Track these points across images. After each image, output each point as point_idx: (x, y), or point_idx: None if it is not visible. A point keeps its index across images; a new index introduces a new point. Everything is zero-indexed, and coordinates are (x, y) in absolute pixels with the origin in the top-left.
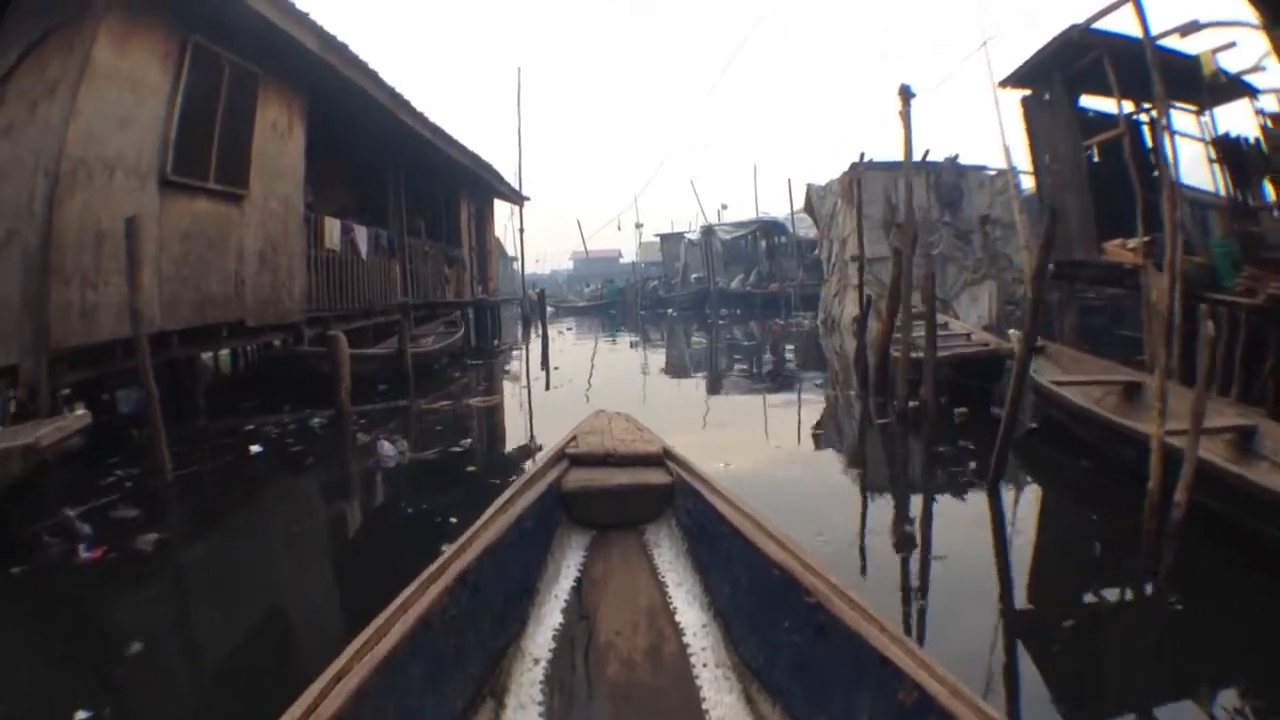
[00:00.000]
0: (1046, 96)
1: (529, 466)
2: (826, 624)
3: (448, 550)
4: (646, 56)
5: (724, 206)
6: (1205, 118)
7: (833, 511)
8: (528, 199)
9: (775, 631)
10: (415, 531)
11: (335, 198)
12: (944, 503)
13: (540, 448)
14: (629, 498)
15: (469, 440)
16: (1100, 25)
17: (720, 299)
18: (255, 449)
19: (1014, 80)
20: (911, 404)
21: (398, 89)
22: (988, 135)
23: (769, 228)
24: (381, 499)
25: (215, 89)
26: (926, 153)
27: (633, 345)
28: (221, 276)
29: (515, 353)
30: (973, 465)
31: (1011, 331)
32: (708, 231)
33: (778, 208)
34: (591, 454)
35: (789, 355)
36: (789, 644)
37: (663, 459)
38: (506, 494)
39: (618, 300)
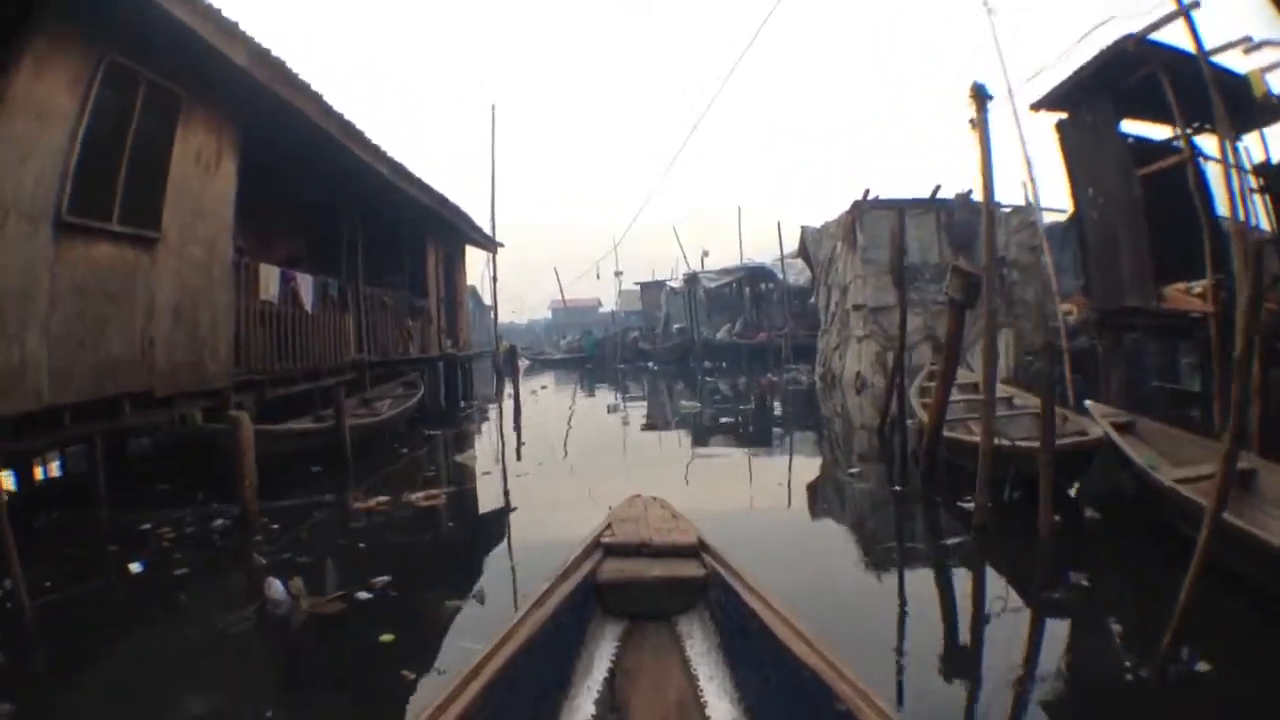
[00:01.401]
0: (1089, 120)
1: (466, 644)
2: None
3: (484, 647)
4: (628, 96)
5: (706, 254)
6: (1242, 143)
7: None
8: (501, 245)
9: None
10: None
11: (283, 245)
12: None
13: (483, 594)
14: (663, 589)
15: (392, 576)
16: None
17: (705, 350)
18: (135, 567)
19: (1049, 103)
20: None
21: (348, 117)
22: (1000, 168)
23: (756, 274)
24: (237, 693)
25: (127, 111)
26: (936, 189)
27: (610, 409)
28: (125, 337)
29: (487, 413)
30: (1116, 624)
31: (1090, 405)
32: (691, 279)
33: (763, 254)
34: (627, 544)
35: (783, 417)
36: None
37: (698, 550)
38: (541, 586)
39: (595, 352)
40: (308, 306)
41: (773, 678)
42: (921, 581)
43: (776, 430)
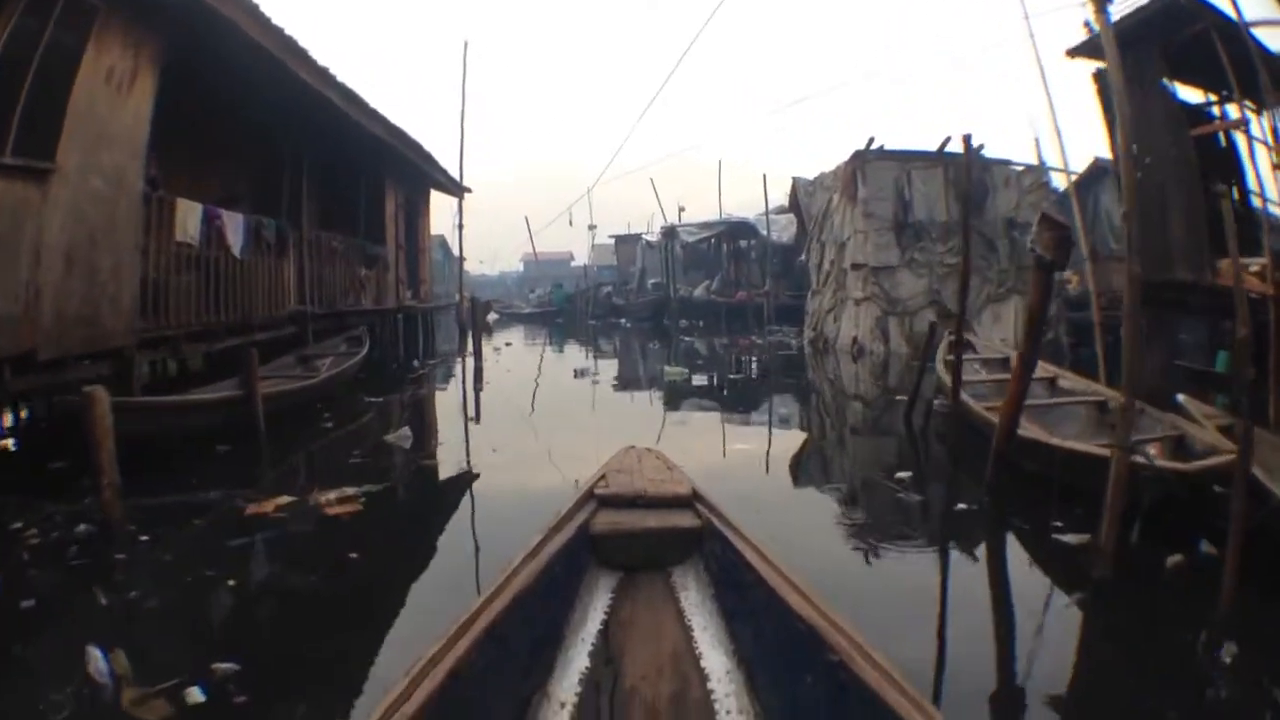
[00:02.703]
0: (1133, 71)
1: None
2: (848, 682)
3: (477, 600)
4: (609, 40)
5: (682, 209)
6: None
7: None
8: (469, 190)
9: (797, 685)
10: None
11: (219, 182)
12: None
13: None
14: (657, 540)
15: (244, 659)
16: None
17: (681, 308)
18: None
19: (1087, 49)
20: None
21: (291, 34)
22: (1005, 125)
23: (738, 229)
24: None
25: (39, 30)
26: (945, 141)
27: (578, 374)
28: (4, 288)
29: (444, 374)
30: None
31: (1186, 400)
32: (669, 233)
33: (743, 211)
34: (621, 495)
35: (780, 388)
36: (810, 699)
37: (692, 501)
38: (534, 537)
39: (566, 307)
40: (235, 250)
41: (767, 629)
42: (1049, 672)
43: (780, 409)
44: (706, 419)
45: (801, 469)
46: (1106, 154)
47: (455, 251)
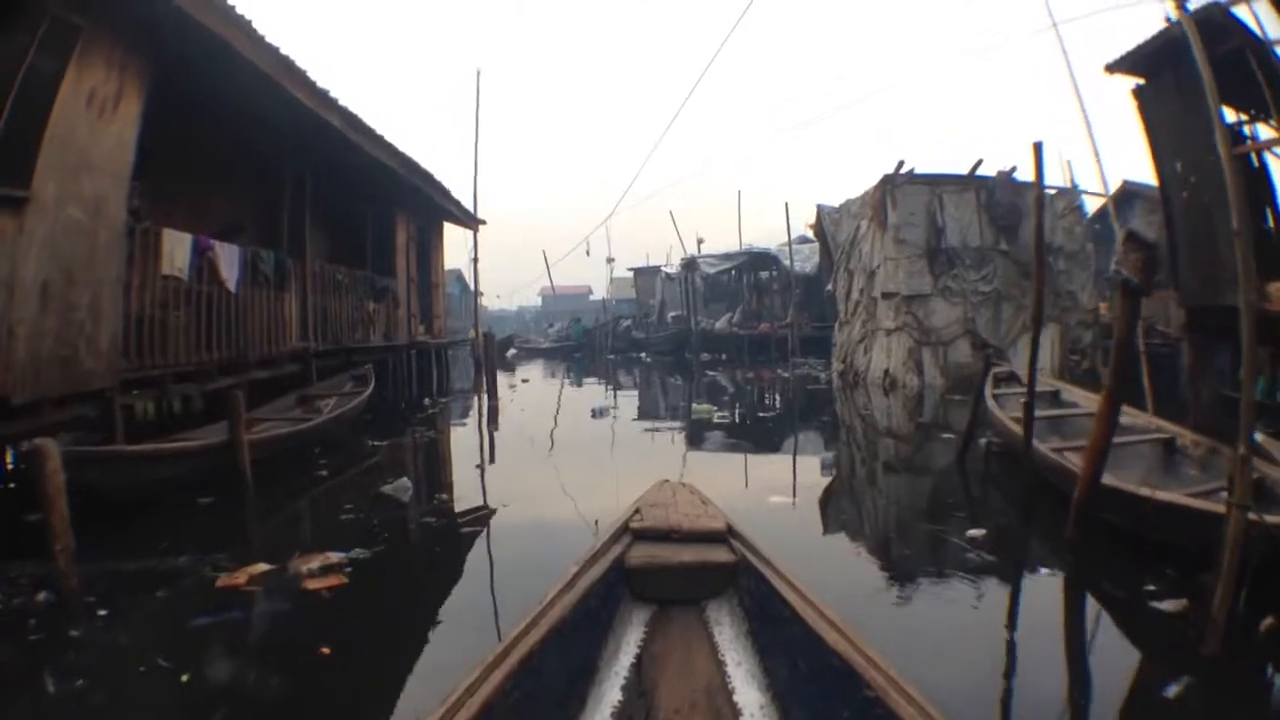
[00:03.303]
0: (1173, 85)
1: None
2: (884, 719)
3: (512, 630)
4: (627, 79)
5: (701, 240)
6: None
7: None
8: (483, 222)
9: None
10: None
11: (221, 212)
12: None
13: None
14: (691, 575)
15: None
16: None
17: (703, 341)
18: None
19: (1128, 64)
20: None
21: (287, 53)
22: (1025, 145)
23: (759, 260)
24: None
25: (22, 50)
26: (978, 163)
27: (596, 414)
28: None
29: (456, 414)
30: None
31: (1265, 440)
32: (689, 265)
33: (762, 243)
34: (655, 529)
35: (817, 426)
36: None
37: (726, 536)
38: (570, 570)
39: (584, 342)
40: (230, 284)
41: (801, 664)
42: None
43: (817, 451)
44: (739, 463)
45: (852, 524)
46: (1135, 176)
47: (472, 286)
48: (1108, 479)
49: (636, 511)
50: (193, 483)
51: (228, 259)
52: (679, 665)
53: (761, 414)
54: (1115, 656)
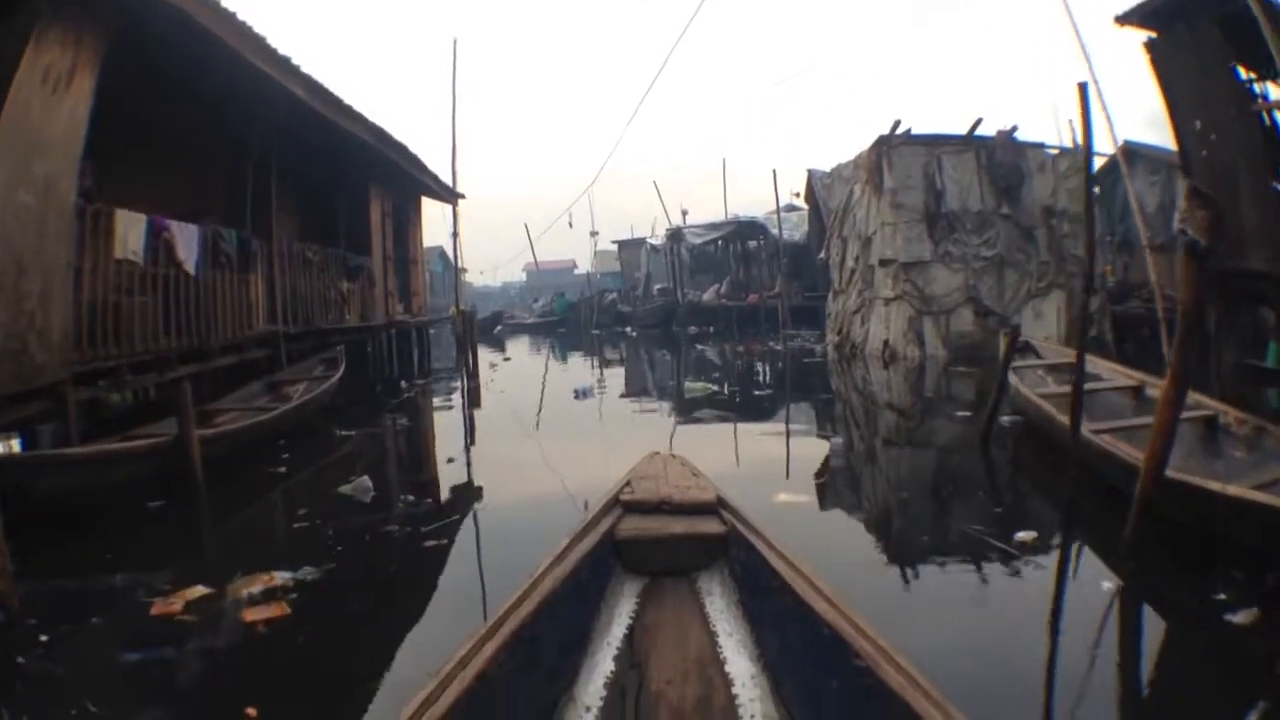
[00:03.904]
0: (1187, 39)
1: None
2: (873, 687)
3: (504, 604)
4: (608, 50)
5: (685, 212)
6: None
7: None
8: (462, 196)
9: (822, 690)
10: None
11: (186, 193)
12: None
13: None
14: (682, 546)
15: None
16: None
17: (690, 314)
18: None
19: (1140, 17)
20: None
21: (247, 21)
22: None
23: (747, 229)
24: None
25: None
26: (977, 123)
27: (579, 394)
28: None
29: (433, 397)
30: None
31: None
32: (675, 236)
33: (748, 212)
34: (646, 501)
35: (820, 403)
36: (836, 704)
37: (717, 507)
38: (562, 542)
39: (568, 316)
40: (189, 266)
41: (792, 634)
42: None
43: (825, 434)
44: (738, 449)
45: (878, 527)
46: (1134, 135)
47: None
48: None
49: (627, 484)
50: (142, 485)
51: (185, 240)
52: (671, 636)
53: (757, 391)
54: (1186, 680)
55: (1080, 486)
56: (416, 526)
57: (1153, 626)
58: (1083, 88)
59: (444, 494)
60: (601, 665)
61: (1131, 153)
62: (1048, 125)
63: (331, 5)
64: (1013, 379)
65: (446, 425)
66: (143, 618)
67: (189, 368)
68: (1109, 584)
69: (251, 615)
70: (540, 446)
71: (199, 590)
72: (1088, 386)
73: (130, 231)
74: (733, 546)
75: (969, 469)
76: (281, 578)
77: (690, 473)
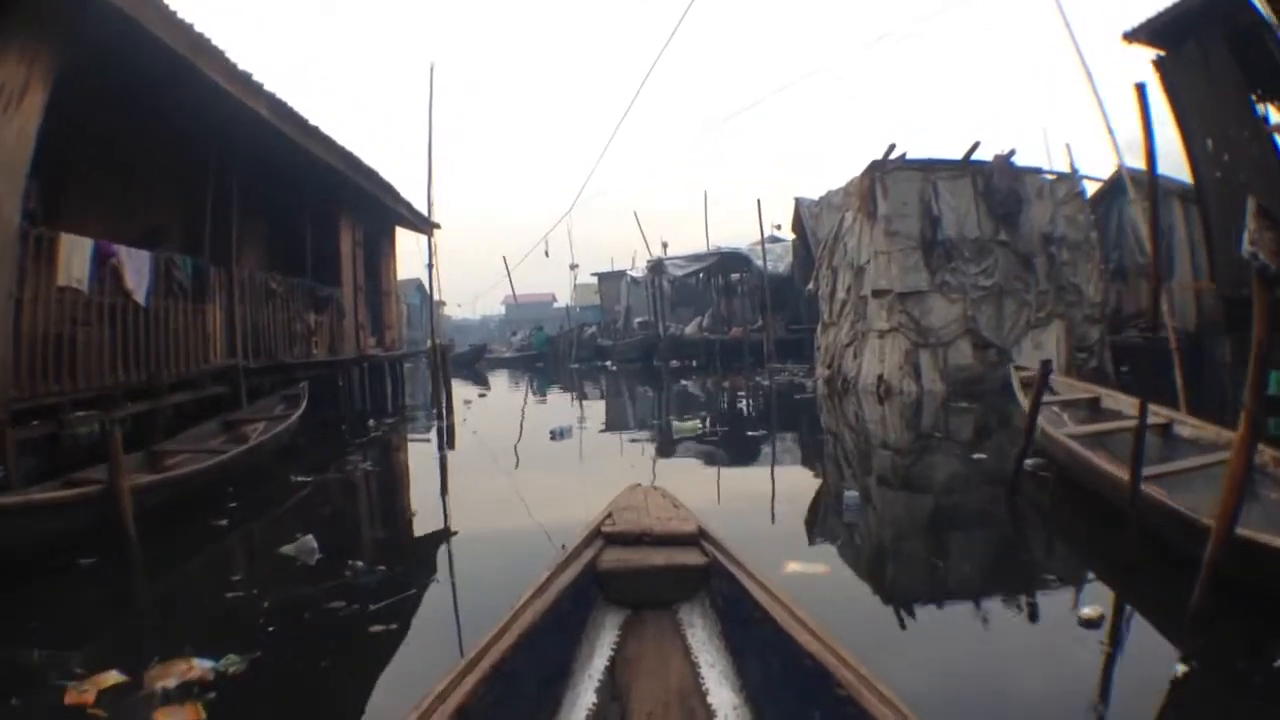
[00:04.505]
0: (1197, 57)
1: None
2: (855, 717)
3: (484, 637)
4: (590, 83)
5: (665, 244)
6: None
7: None
8: (437, 226)
9: None
10: None
11: (144, 217)
12: None
13: None
14: (664, 578)
15: None
16: None
17: (672, 348)
18: None
19: (1148, 34)
20: None
21: (202, 31)
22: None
23: (730, 261)
24: None
25: None
26: (974, 146)
27: (556, 435)
28: None
29: (403, 436)
30: None
31: None
32: (656, 267)
33: (729, 246)
34: (627, 533)
35: (821, 444)
36: None
37: (698, 539)
38: (543, 574)
39: (546, 351)
40: (138, 295)
41: (774, 664)
42: None
43: (837, 484)
44: (745, 506)
45: (914, 602)
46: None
47: (437, 296)
48: (1199, 515)
49: (608, 515)
50: (69, 541)
51: (135, 266)
52: (653, 668)
53: (750, 431)
54: None
55: (1134, 549)
56: (364, 603)
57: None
58: (1140, 89)
59: (401, 557)
60: (583, 698)
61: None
62: (1037, 150)
63: (311, 37)
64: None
65: (414, 469)
66: (56, 705)
67: (138, 405)
68: (1181, 669)
69: (163, 718)
70: (515, 494)
71: (113, 677)
72: (1115, 426)
73: (75, 257)
74: (714, 578)
75: (999, 524)
76: (202, 667)
77: (671, 504)
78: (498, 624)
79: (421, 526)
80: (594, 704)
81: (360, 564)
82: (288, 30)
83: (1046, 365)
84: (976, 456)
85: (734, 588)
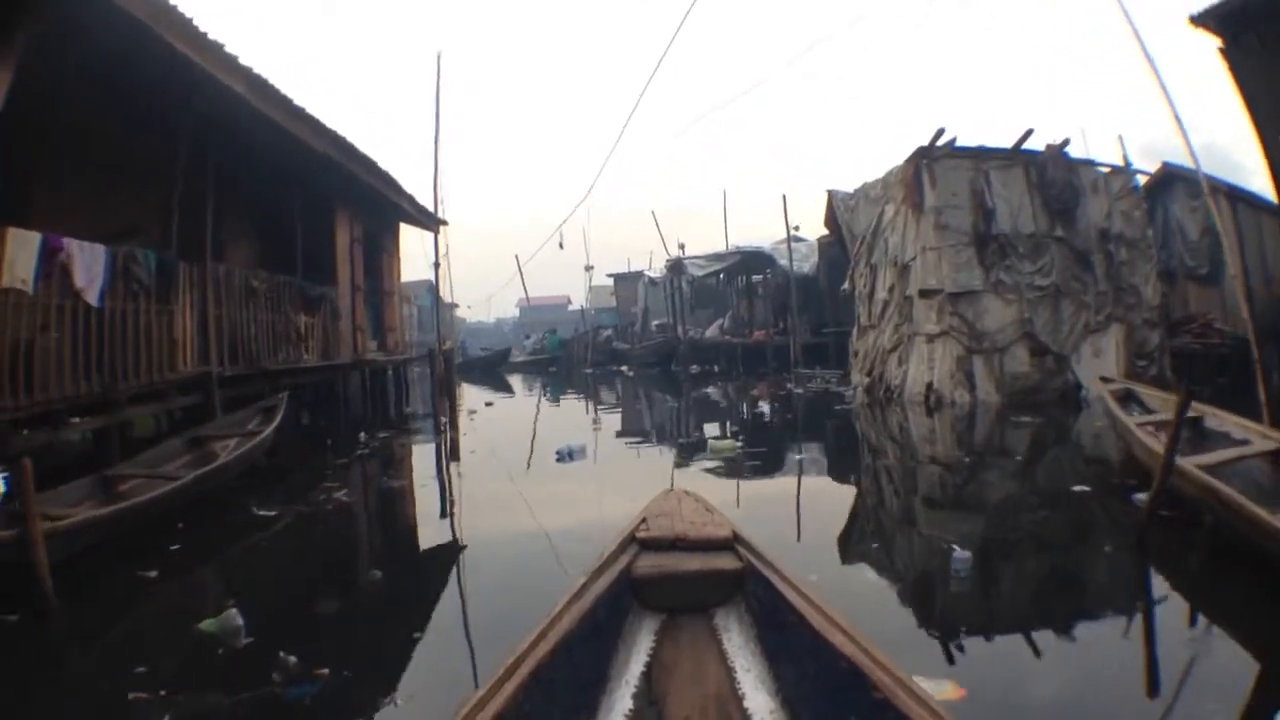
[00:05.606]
0: (1272, 48)
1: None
2: None
3: (522, 643)
4: (610, 85)
5: (682, 245)
6: None
7: None
8: (444, 223)
9: None
10: None
11: (118, 211)
12: None
13: None
14: (699, 583)
15: None
16: None
17: (691, 352)
18: None
19: (1214, 20)
20: None
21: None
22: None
23: (753, 260)
24: None
25: None
26: (1026, 134)
27: (563, 457)
28: None
29: (404, 447)
30: None
31: None
32: (675, 267)
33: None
34: (662, 538)
35: (899, 473)
36: None
37: (733, 544)
38: (578, 580)
39: (560, 355)
40: (90, 296)
41: (810, 668)
42: None
43: (946, 543)
44: (832, 574)
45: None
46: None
47: (448, 298)
48: None
49: (643, 521)
50: None
51: (86, 262)
52: (689, 673)
53: (795, 454)
54: None
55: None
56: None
57: None
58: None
59: (353, 648)
60: (620, 703)
61: (1171, 176)
62: (1075, 147)
63: (310, 37)
64: (1127, 432)
65: (396, 504)
66: None
67: (92, 421)
68: None
69: None
70: (523, 526)
71: None
72: (1236, 454)
73: (20, 253)
74: (749, 582)
75: (1136, 587)
76: None
77: (705, 509)
78: (535, 630)
79: (392, 596)
80: (631, 709)
81: (294, 661)
82: (288, 30)
83: (1189, 393)
84: (1078, 489)
85: (769, 592)
